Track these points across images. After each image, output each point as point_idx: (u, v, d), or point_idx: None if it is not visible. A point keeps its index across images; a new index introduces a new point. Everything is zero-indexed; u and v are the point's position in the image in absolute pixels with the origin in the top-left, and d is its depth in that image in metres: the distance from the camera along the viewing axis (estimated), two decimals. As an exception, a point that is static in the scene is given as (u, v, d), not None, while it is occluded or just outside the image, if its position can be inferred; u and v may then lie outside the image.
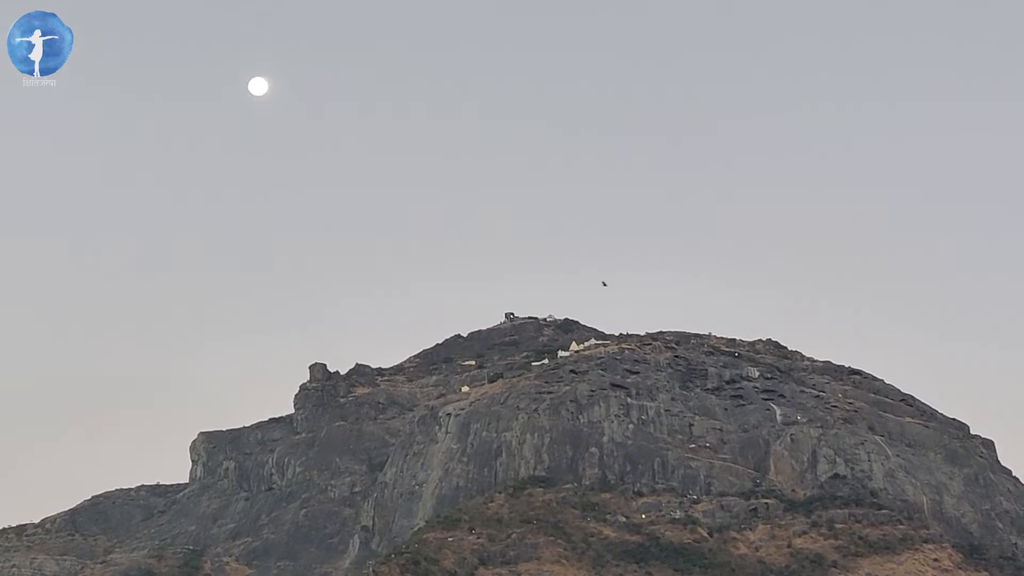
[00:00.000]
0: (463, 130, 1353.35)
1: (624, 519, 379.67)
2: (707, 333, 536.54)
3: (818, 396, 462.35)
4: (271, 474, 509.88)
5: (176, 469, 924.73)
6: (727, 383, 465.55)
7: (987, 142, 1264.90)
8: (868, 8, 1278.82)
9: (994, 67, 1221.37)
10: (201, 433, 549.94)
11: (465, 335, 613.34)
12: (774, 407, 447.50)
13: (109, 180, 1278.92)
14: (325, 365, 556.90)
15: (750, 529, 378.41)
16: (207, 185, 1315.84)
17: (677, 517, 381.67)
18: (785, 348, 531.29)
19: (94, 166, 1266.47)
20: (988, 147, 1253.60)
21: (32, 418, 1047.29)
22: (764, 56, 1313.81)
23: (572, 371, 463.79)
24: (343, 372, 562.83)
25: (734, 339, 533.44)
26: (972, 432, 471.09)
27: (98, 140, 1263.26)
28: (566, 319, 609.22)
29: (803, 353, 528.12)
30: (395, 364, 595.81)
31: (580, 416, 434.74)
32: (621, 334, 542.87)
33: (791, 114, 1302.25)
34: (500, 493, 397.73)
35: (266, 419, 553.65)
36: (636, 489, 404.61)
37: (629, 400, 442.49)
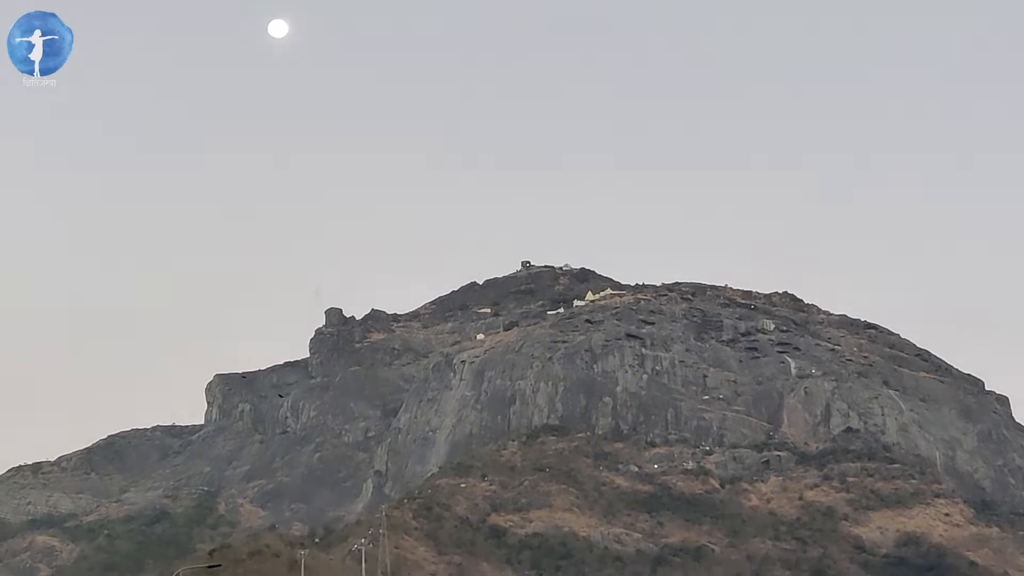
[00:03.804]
0: (482, 76, 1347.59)
1: (636, 469, 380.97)
2: (723, 285, 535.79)
3: (833, 350, 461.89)
4: (286, 417, 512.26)
5: (192, 410, 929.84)
6: (742, 335, 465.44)
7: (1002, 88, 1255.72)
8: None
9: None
10: (217, 375, 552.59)
11: (481, 283, 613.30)
12: (789, 360, 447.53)
13: (130, 122, 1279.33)
14: (341, 310, 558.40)
15: (762, 481, 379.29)
16: (223, 128, 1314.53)
17: (689, 468, 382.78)
18: (801, 301, 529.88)
19: (117, 116, 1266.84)
20: (999, 92, 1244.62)
21: (49, 357, 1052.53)
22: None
23: (587, 320, 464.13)
24: (359, 317, 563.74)
25: (750, 291, 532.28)
26: (987, 388, 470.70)
27: (117, 85, 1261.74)
28: (582, 268, 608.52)
29: (819, 306, 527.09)
30: (411, 310, 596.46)
31: (594, 366, 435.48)
32: (637, 284, 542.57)
33: (810, 71, 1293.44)
34: (513, 441, 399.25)
35: (281, 363, 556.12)
36: (649, 439, 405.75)
37: (643, 350, 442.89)
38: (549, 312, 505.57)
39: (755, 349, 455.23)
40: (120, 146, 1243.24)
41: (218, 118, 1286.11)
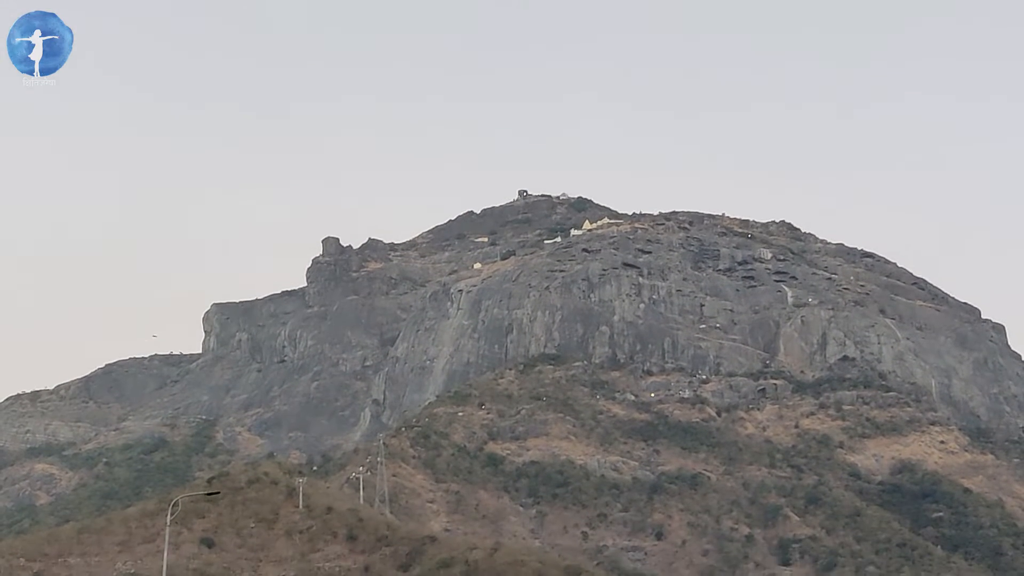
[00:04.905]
0: (483, 5, 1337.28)
1: (633, 397, 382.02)
2: (721, 213, 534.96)
3: (830, 278, 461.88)
4: (283, 346, 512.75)
5: (189, 339, 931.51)
6: (739, 264, 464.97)
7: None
8: None
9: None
10: (214, 304, 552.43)
11: (478, 212, 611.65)
12: (785, 289, 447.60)
13: (128, 45, 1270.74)
14: (338, 239, 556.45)
15: (758, 409, 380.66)
16: (219, 57, 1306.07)
17: (686, 396, 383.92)
18: (798, 230, 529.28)
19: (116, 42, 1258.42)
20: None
21: (47, 286, 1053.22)
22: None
23: (584, 250, 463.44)
24: (356, 246, 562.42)
25: (747, 220, 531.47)
26: (983, 316, 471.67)
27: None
28: (579, 197, 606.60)
29: (816, 235, 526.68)
30: (408, 239, 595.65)
31: (591, 295, 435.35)
32: (634, 213, 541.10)
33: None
34: (510, 370, 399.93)
35: (279, 292, 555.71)
36: (645, 368, 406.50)
37: (640, 279, 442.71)
38: (546, 241, 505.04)
39: (752, 278, 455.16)
40: (117, 89, 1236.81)
41: (209, 45, 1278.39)
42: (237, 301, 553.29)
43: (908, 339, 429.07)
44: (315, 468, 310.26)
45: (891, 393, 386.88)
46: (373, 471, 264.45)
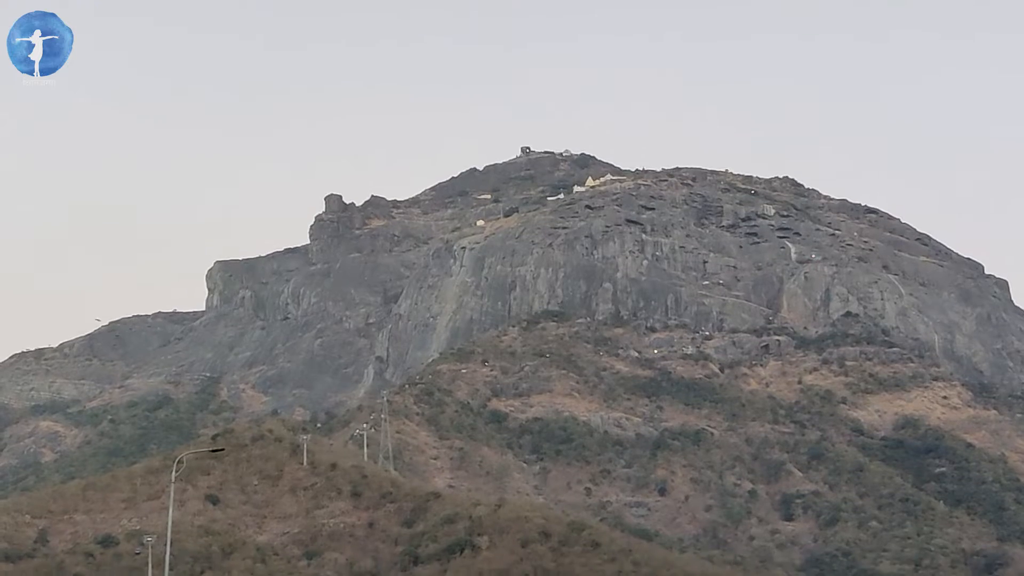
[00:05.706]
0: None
1: (636, 354, 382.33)
2: (724, 170, 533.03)
3: (833, 234, 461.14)
4: (287, 304, 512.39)
5: (192, 297, 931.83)
6: (743, 220, 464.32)
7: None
8: None
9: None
10: (217, 262, 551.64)
11: (481, 168, 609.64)
12: (789, 245, 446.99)
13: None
14: (341, 196, 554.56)
15: (761, 365, 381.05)
16: (227, 21, 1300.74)
17: (689, 353, 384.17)
18: (802, 186, 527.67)
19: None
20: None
21: (51, 243, 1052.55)
22: None
23: (587, 206, 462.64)
24: (358, 204, 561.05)
25: (751, 176, 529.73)
26: (986, 272, 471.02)
27: None
28: (582, 154, 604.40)
29: (820, 191, 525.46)
30: (410, 196, 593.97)
31: (594, 251, 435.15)
32: (637, 169, 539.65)
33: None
34: (513, 327, 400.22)
35: (282, 249, 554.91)
36: (649, 324, 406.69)
37: (644, 236, 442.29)
38: (549, 198, 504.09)
39: (755, 234, 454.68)
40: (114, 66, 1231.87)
41: (204, 15, 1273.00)
42: (240, 258, 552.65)
43: (911, 295, 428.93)
44: (319, 425, 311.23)
45: (894, 349, 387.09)
46: (377, 428, 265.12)
